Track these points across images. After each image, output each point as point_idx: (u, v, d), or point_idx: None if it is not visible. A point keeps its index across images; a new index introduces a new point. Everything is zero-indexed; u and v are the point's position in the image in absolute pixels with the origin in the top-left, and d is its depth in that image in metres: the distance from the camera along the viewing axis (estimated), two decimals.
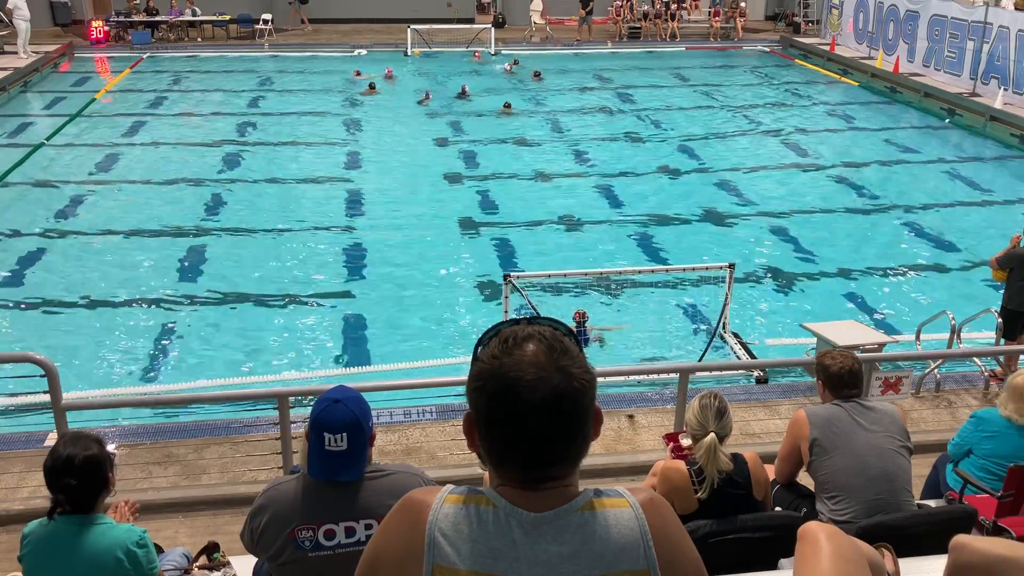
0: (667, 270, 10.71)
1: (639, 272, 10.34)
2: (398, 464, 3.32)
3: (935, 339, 8.59)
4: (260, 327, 9.83)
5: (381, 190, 14.33)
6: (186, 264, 11.35)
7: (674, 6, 28.91)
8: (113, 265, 11.29)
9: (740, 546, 3.85)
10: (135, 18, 26.91)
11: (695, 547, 1.75)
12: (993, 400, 6.49)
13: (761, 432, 7.01)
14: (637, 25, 28.82)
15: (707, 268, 9.81)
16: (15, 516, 5.60)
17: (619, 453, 6.64)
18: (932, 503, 4.82)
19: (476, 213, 13.27)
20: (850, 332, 7.88)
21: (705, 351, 9.07)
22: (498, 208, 13.55)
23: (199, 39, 27.44)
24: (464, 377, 1.69)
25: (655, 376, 7.95)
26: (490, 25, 27.81)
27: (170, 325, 9.79)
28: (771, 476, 4.50)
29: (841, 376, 4.36)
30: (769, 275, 11.24)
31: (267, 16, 27.38)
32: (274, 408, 6.08)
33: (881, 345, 7.58)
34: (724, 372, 8.69)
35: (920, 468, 5.05)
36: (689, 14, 29.54)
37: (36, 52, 23.19)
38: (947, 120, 19.32)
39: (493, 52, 26.05)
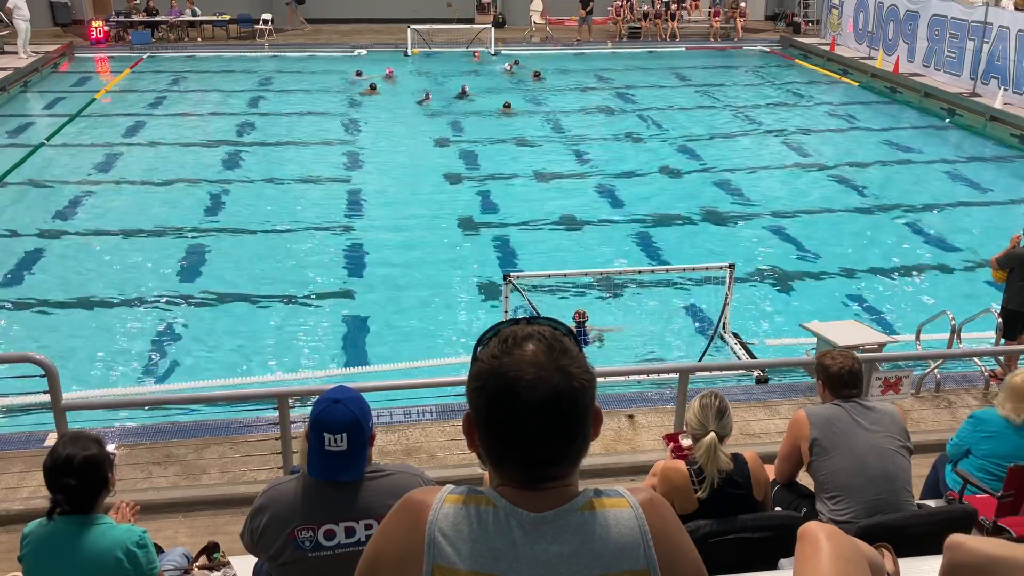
0: (667, 270, 10.70)
1: (639, 272, 10.35)
2: (398, 464, 3.32)
3: (935, 339, 8.57)
4: (260, 327, 9.82)
5: (381, 190, 14.32)
6: (186, 264, 11.35)
7: (674, 6, 28.92)
8: (113, 265, 11.29)
9: (740, 546, 3.85)
10: (135, 18, 26.92)
11: (695, 547, 1.75)
12: (993, 400, 6.49)
13: (761, 432, 7.01)
14: (637, 25, 28.83)
15: (707, 268, 9.81)
16: (15, 516, 5.60)
17: (619, 453, 6.64)
18: (932, 503, 4.82)
19: (476, 213, 13.26)
20: (850, 332, 7.87)
21: (705, 351, 9.07)
22: (498, 208, 13.54)
23: (199, 39, 27.45)
24: (464, 377, 1.69)
25: (655, 376, 7.96)
26: (490, 25, 27.81)
27: (170, 325, 9.79)
28: (771, 476, 4.50)
29: (841, 376, 4.37)
30: (769, 275, 11.24)
31: (267, 16, 27.38)
32: (274, 408, 6.09)
33: (881, 345, 7.58)
34: (724, 372, 8.69)
35: (920, 468, 5.05)
36: (689, 14, 29.54)
37: (36, 52, 23.19)
38: (947, 120, 19.31)
39: (493, 52, 26.04)
